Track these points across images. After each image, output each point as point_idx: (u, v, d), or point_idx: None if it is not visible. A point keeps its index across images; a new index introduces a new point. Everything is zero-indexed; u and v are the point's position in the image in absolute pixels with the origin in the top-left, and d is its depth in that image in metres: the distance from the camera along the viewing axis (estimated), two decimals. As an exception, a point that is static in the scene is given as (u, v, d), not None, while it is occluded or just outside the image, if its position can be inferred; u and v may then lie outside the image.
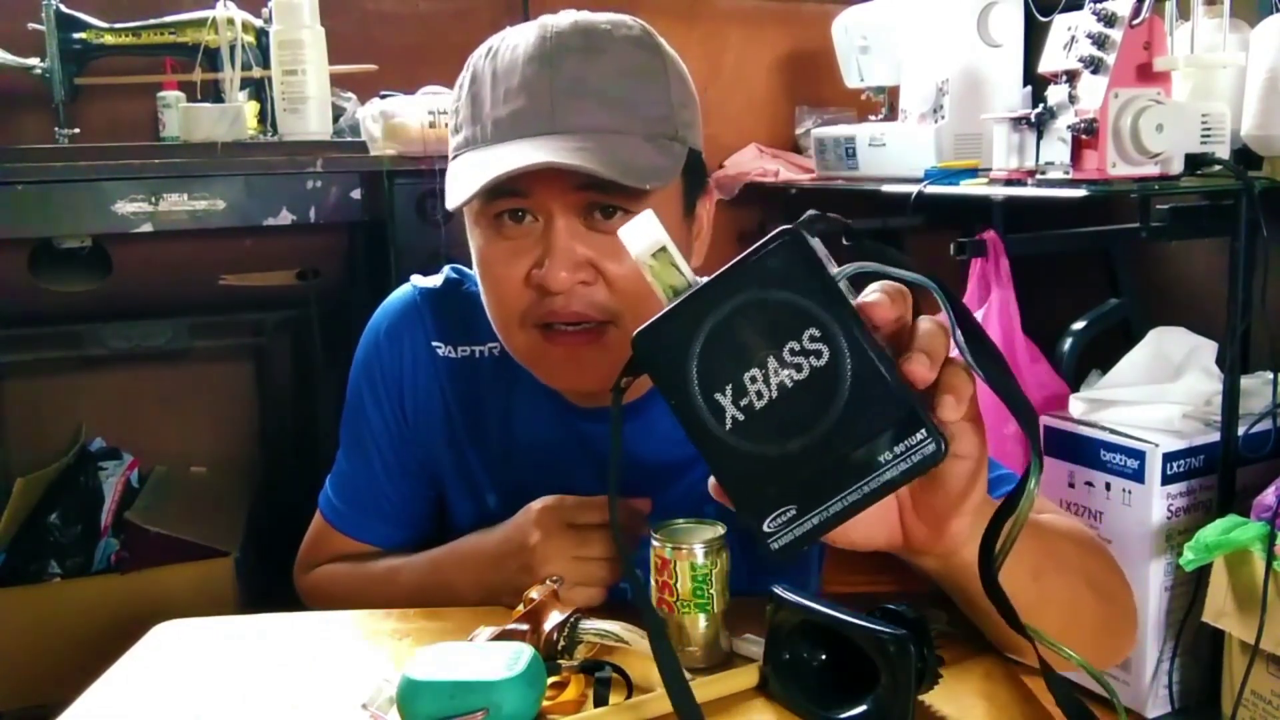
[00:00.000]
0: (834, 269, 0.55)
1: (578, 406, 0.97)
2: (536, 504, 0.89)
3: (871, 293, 0.55)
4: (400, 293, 1.04)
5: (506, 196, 0.82)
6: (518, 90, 0.82)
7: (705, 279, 0.56)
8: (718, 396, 0.55)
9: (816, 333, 0.53)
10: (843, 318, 0.53)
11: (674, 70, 0.88)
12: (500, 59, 0.85)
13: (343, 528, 1.05)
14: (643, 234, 0.57)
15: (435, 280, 1.03)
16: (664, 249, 0.56)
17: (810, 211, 0.56)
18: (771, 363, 0.54)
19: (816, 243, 0.55)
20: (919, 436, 0.53)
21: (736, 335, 0.54)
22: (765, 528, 0.56)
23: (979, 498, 0.61)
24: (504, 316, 0.87)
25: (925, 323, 0.56)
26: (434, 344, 1.00)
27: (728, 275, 0.55)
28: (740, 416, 0.55)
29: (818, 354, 0.53)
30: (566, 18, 0.86)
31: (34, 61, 1.95)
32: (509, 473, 0.98)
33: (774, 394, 0.54)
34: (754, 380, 0.54)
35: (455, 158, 0.87)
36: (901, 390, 0.53)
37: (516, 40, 0.85)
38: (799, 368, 0.53)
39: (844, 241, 0.57)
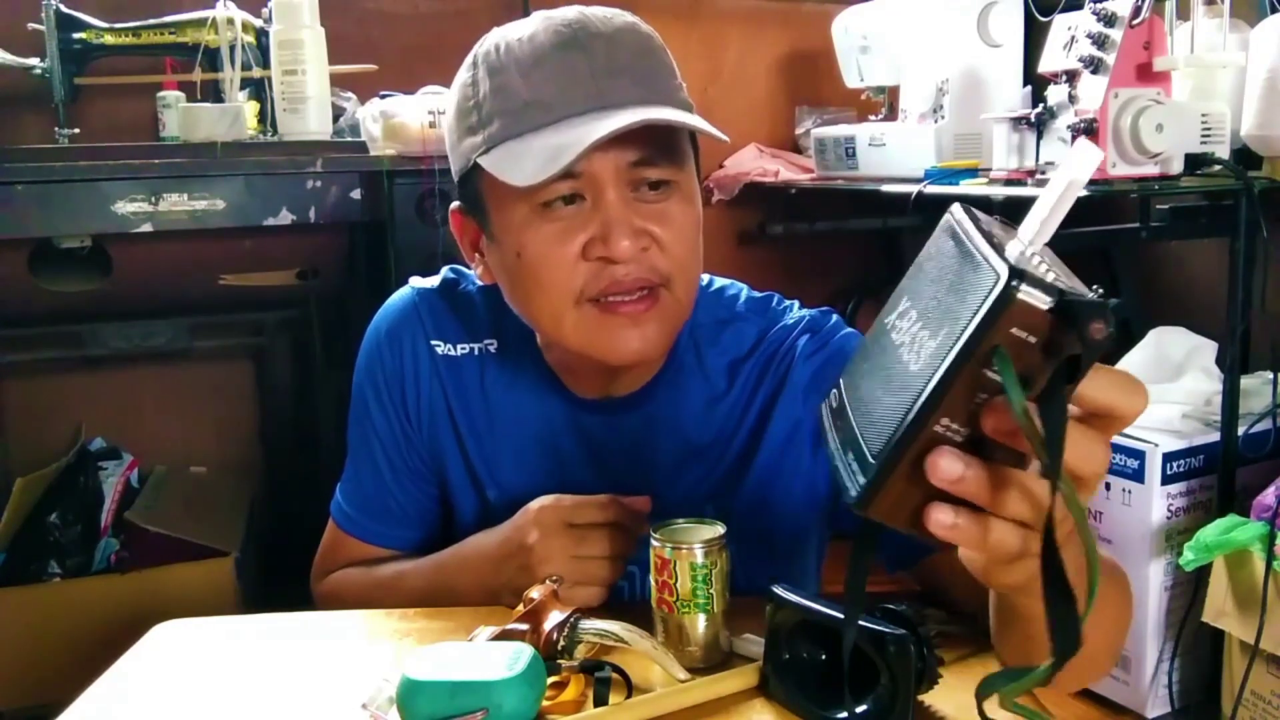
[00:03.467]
0: (1024, 336, 0.48)
1: (578, 399, 0.98)
2: (535, 503, 0.90)
3: (998, 406, 0.49)
4: (399, 295, 1.05)
5: (558, 180, 0.83)
6: (554, 75, 0.83)
7: (1039, 249, 0.52)
8: (905, 295, 0.55)
9: (932, 349, 0.50)
10: (939, 374, 0.49)
11: (670, 56, 0.90)
12: (518, 51, 0.85)
13: (354, 533, 1.05)
14: (1088, 163, 0.51)
15: (433, 281, 1.04)
16: (1074, 185, 0.50)
17: (1089, 297, 0.48)
18: (916, 324, 0.52)
19: (1037, 298, 0.47)
20: (860, 478, 0.52)
21: (942, 279, 0.52)
22: (834, 388, 0.58)
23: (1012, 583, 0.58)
24: (558, 297, 0.86)
25: (1019, 477, 0.51)
26: (433, 342, 1.01)
27: (978, 245, 0.51)
28: (890, 326, 0.55)
29: (917, 358, 0.51)
30: (570, 11, 0.87)
31: (34, 61, 1.95)
32: (511, 466, 0.99)
33: (898, 340, 0.53)
34: (908, 318, 0.53)
35: (490, 149, 0.85)
36: (885, 445, 0.50)
37: (522, 33, 0.86)
38: (911, 346, 0.52)
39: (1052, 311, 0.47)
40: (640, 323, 0.86)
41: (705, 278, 1.00)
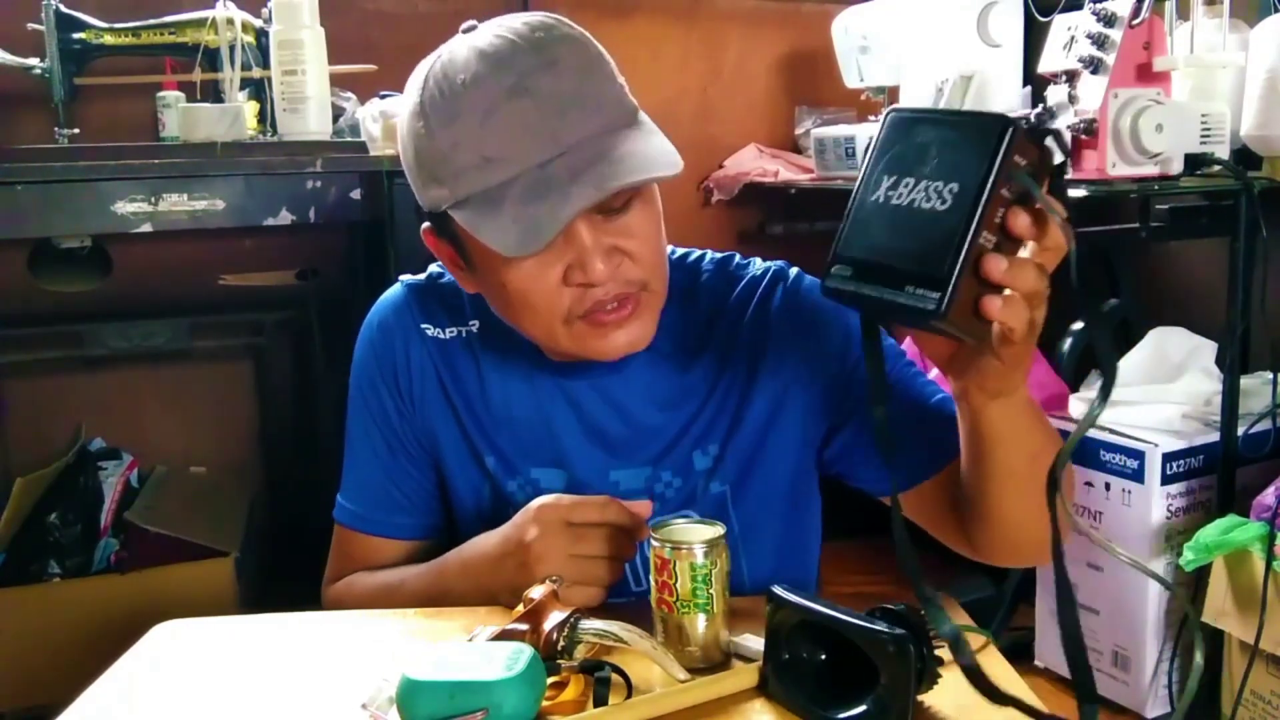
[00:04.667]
0: (1020, 161, 0.67)
1: (562, 365, 1.01)
2: (535, 502, 0.91)
3: (1023, 214, 0.68)
4: (389, 291, 1.09)
5: None
6: (506, 127, 0.84)
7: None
8: (885, 175, 0.71)
9: (955, 189, 0.67)
10: (976, 199, 0.66)
11: (602, 50, 0.91)
12: (466, 102, 0.85)
13: (359, 526, 1.07)
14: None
15: (419, 276, 1.09)
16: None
17: (1042, 114, 0.64)
18: (921, 184, 0.69)
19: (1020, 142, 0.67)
20: (934, 293, 0.66)
21: (928, 150, 0.69)
22: (832, 267, 0.72)
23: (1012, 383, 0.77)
24: (547, 319, 0.91)
25: (1036, 261, 0.69)
26: (423, 326, 1.05)
27: (960, 114, 0.71)
28: (882, 200, 0.71)
29: (943, 201, 0.67)
30: (500, 41, 0.86)
31: (34, 61, 1.95)
32: (503, 432, 1.03)
33: (904, 202, 0.69)
34: (907, 185, 0.69)
35: (460, 204, 0.87)
36: (954, 260, 0.65)
37: (463, 74, 0.85)
38: (927, 198, 0.68)
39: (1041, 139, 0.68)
40: (625, 326, 0.91)
41: (669, 248, 1.02)
